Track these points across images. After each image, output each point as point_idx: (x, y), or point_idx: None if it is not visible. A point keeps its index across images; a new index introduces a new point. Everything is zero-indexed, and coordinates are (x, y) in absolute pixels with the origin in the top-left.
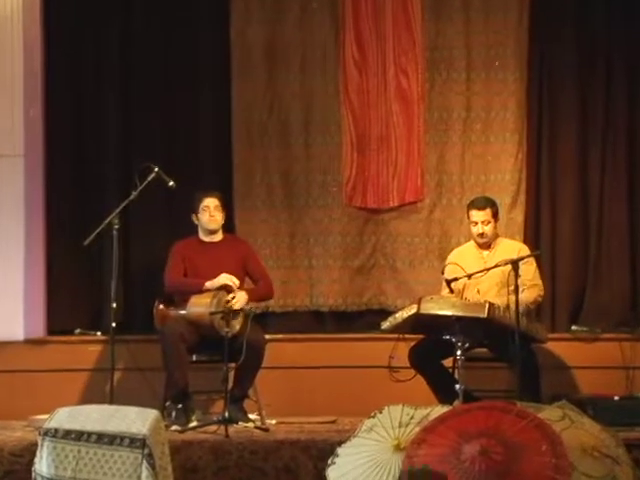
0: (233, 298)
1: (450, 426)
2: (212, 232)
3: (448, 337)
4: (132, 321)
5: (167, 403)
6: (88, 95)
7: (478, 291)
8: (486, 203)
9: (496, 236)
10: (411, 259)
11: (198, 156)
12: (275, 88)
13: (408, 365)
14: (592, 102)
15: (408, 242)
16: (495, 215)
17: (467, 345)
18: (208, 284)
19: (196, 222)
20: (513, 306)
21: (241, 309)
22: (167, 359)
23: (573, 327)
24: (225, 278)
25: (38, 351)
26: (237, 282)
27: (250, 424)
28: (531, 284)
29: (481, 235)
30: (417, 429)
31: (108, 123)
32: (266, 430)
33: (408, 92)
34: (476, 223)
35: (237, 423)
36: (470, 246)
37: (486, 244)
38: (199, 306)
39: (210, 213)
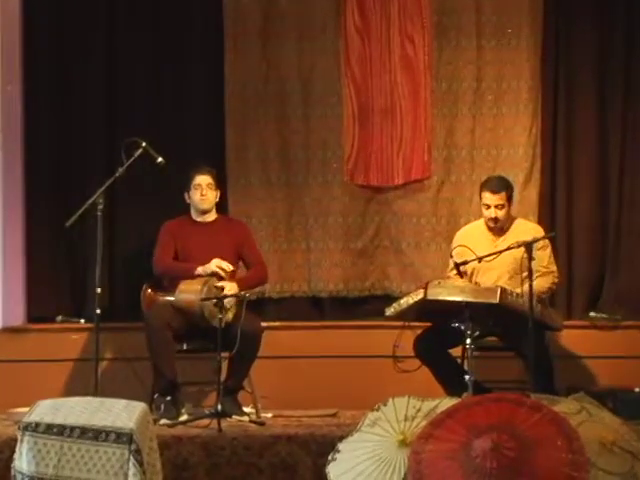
0: (223, 289)
1: (459, 420)
2: (204, 212)
3: (457, 324)
4: (118, 308)
5: (155, 395)
6: (71, 67)
7: (485, 280)
8: (501, 186)
9: (511, 219)
10: (417, 241)
11: (188, 130)
12: (271, 57)
13: (414, 354)
14: (612, 71)
15: (414, 222)
16: (510, 198)
17: (477, 333)
18: (200, 269)
19: (188, 201)
20: (527, 292)
21: (235, 295)
22: (152, 348)
23: (591, 314)
24: (216, 265)
25: (17, 340)
26: (230, 268)
27: (245, 418)
28: (545, 271)
29: (494, 220)
30: (424, 423)
31: (92, 96)
32: (262, 424)
33: (414, 61)
34: (489, 206)
35: (231, 417)
36: (481, 227)
37: (498, 228)
38: (189, 293)
39: (202, 192)
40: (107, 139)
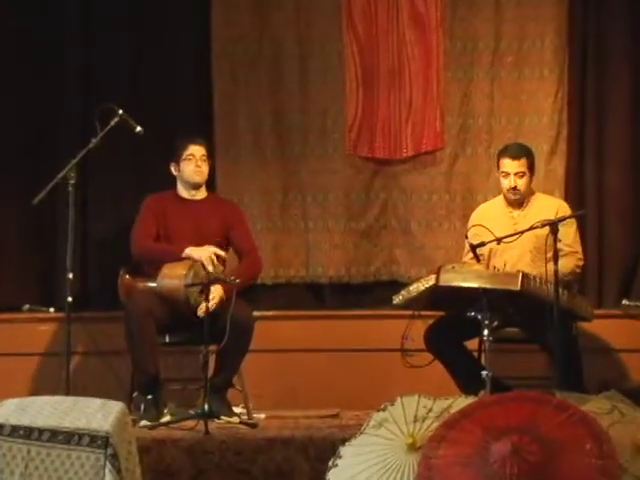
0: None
1: (475, 421)
2: (195, 187)
3: (473, 314)
4: (92, 295)
5: (134, 394)
6: (41, 24)
7: (505, 261)
8: (521, 151)
9: (531, 192)
10: (428, 220)
11: (171, 97)
12: (264, 14)
13: (424, 348)
14: None
15: (425, 200)
16: (531, 167)
17: (496, 324)
18: (188, 251)
19: (175, 173)
20: (551, 276)
21: (224, 280)
22: (132, 340)
23: (624, 302)
24: (207, 254)
25: None
26: (220, 269)
27: (235, 419)
28: (569, 250)
29: (513, 189)
30: (436, 424)
31: (63, 55)
32: (254, 426)
33: (425, 17)
34: (507, 174)
35: (219, 418)
36: (498, 203)
37: (518, 201)
38: (172, 278)
39: (196, 163)
40: (80, 105)
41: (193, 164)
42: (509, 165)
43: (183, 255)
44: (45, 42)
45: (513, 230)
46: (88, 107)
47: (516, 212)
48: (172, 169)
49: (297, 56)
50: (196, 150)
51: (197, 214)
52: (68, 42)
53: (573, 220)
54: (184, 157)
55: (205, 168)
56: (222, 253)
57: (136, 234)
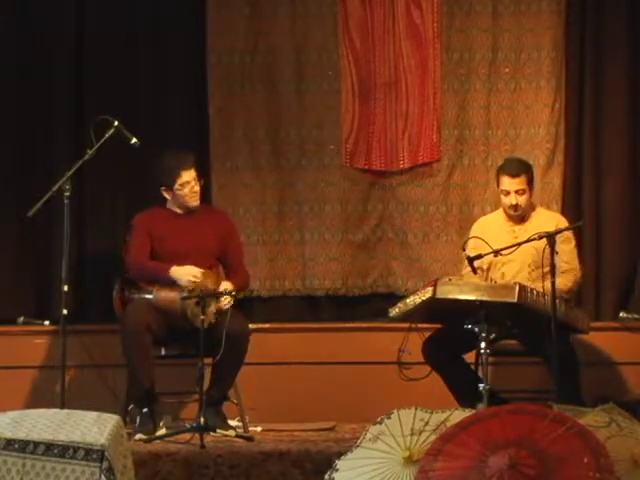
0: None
1: (473, 434)
2: (191, 210)
3: (470, 326)
4: (88, 308)
5: (130, 407)
6: (35, 33)
7: (503, 275)
8: (520, 169)
9: (532, 207)
10: (425, 232)
11: (166, 107)
12: (260, 23)
13: (422, 360)
14: None
15: (422, 211)
16: (531, 182)
17: (493, 336)
18: (173, 272)
19: (168, 197)
20: (548, 289)
21: (221, 293)
22: (129, 353)
23: (621, 314)
24: (186, 278)
25: None
26: (198, 279)
27: (230, 432)
28: (567, 267)
29: (514, 207)
30: (433, 437)
31: (58, 67)
32: (250, 439)
33: (421, 28)
34: (508, 193)
35: (215, 431)
36: (499, 216)
37: (519, 216)
38: (168, 290)
39: (192, 188)
40: (75, 116)
41: (188, 190)
42: (509, 183)
43: (169, 275)
44: (40, 53)
45: (513, 243)
46: (83, 120)
47: (517, 227)
48: (163, 193)
49: (293, 67)
50: (188, 175)
51: (192, 229)
52: (62, 54)
53: (571, 236)
54: (177, 185)
55: (198, 188)
56: (201, 271)
57: (130, 253)
